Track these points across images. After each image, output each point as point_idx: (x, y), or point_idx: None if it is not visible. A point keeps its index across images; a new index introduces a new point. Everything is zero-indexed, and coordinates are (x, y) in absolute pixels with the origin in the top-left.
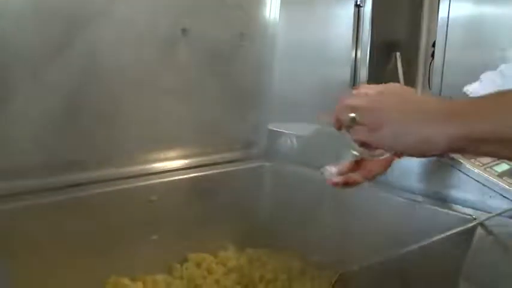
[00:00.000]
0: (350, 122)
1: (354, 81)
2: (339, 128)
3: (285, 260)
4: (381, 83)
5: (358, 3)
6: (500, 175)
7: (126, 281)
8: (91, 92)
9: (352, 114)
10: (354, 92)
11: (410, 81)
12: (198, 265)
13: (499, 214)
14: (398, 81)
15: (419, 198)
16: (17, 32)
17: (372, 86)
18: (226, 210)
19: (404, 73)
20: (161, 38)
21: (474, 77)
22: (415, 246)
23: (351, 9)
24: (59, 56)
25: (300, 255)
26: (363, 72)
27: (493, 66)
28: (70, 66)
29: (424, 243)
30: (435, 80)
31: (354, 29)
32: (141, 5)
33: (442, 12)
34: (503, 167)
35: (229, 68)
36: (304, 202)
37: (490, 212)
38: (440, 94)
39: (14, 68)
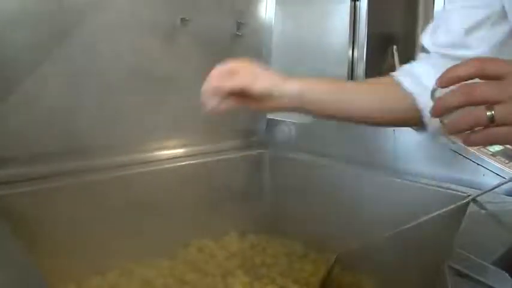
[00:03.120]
0: (486, 122)
1: (351, 75)
2: (439, 115)
3: (286, 244)
4: (379, 76)
5: None
6: (494, 154)
7: (130, 265)
8: (92, 81)
9: (490, 113)
10: (468, 66)
11: None
12: (201, 250)
13: (490, 190)
14: None
15: (416, 179)
16: (18, 24)
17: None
18: (228, 197)
19: (401, 66)
20: (161, 28)
21: None
22: (411, 224)
23: (347, 3)
24: (60, 46)
25: (300, 239)
26: (360, 66)
27: None
28: (71, 57)
29: (420, 220)
30: None
31: (350, 23)
32: None
33: (438, 5)
34: (497, 147)
35: (228, 58)
36: (303, 188)
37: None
38: None
39: (16, 60)
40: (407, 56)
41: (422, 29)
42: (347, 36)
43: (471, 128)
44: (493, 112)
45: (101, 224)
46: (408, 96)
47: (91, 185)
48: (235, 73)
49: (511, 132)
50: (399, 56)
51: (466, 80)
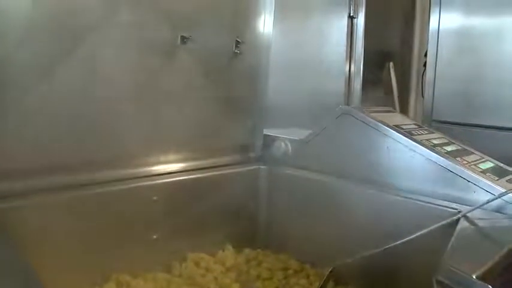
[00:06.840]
0: None
1: (348, 90)
2: None
3: (281, 259)
4: (375, 92)
5: (352, 14)
6: (484, 171)
7: (127, 278)
8: (94, 97)
9: None
10: None
11: (403, 90)
12: (197, 264)
13: (480, 206)
14: (392, 91)
15: (408, 195)
16: (22, 40)
17: None
18: (225, 212)
19: (397, 82)
20: (161, 45)
21: (464, 85)
22: (404, 240)
23: (345, 20)
24: (63, 62)
25: (295, 254)
26: (357, 82)
27: (481, 74)
28: (74, 73)
29: (412, 236)
30: (427, 88)
31: (347, 40)
32: (143, 14)
33: (433, 24)
34: (488, 164)
35: (226, 75)
36: (299, 203)
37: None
38: (432, 102)
39: (20, 74)
40: (403, 72)
41: (418, 46)
42: (344, 52)
43: None
44: None
45: (98, 237)
46: None
47: (89, 198)
48: None
49: None
50: (395, 72)
51: None
